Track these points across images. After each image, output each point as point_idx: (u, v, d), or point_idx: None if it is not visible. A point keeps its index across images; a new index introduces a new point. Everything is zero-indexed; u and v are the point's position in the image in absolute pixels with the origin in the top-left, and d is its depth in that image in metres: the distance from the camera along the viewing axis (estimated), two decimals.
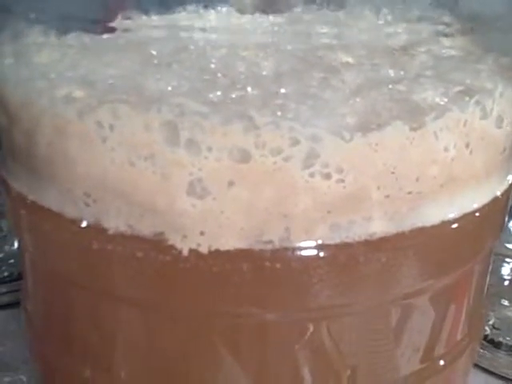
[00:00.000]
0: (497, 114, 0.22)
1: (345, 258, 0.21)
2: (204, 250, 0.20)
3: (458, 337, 0.26)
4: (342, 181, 0.20)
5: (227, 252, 0.20)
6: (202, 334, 0.22)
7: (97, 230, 0.21)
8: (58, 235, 0.22)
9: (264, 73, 0.21)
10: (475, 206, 0.23)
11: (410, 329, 0.24)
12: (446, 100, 0.21)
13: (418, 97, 0.21)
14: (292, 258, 0.20)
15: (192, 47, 0.22)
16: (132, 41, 0.23)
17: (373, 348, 0.23)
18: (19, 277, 0.33)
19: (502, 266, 0.45)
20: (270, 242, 0.20)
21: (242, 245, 0.20)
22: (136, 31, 0.24)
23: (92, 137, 0.20)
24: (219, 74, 0.21)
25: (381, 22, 0.25)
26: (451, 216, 0.22)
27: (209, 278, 0.20)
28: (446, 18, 0.24)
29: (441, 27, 0.23)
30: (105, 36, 0.24)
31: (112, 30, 0.23)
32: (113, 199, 0.20)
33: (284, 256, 0.20)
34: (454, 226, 0.22)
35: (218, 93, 0.20)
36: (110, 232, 0.21)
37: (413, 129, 0.20)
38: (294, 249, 0.20)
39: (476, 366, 0.36)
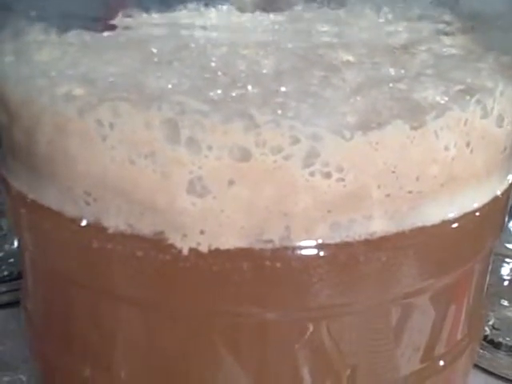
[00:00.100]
0: (497, 113, 0.22)
1: (345, 257, 0.21)
2: (204, 249, 0.20)
3: (458, 337, 0.26)
4: (343, 180, 0.20)
5: (227, 251, 0.20)
6: (201, 333, 0.22)
7: (97, 228, 0.21)
8: (58, 234, 0.22)
9: (264, 71, 0.21)
10: (475, 205, 0.23)
11: (410, 328, 0.24)
12: (446, 99, 0.21)
13: (418, 95, 0.21)
14: (292, 257, 0.20)
15: (192, 45, 0.22)
16: (133, 39, 0.23)
17: (373, 347, 0.23)
18: (19, 276, 0.33)
19: (501, 266, 0.45)
20: (270, 241, 0.20)
21: (242, 244, 0.20)
22: (137, 29, 0.24)
23: (92, 135, 0.20)
24: (220, 73, 0.21)
25: (381, 21, 0.25)
26: (451, 215, 0.22)
27: (209, 277, 0.20)
28: (447, 17, 0.24)
29: (441, 26, 0.23)
30: (105, 34, 0.24)
31: (113, 27, 0.23)
32: (113, 198, 0.20)
33: (284, 255, 0.20)
34: (455, 225, 0.22)
35: (219, 91, 0.20)
36: (110, 231, 0.21)
37: (413, 128, 0.20)
38: (294, 248, 0.20)
39: (476, 366, 0.36)
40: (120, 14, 0.23)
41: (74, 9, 0.22)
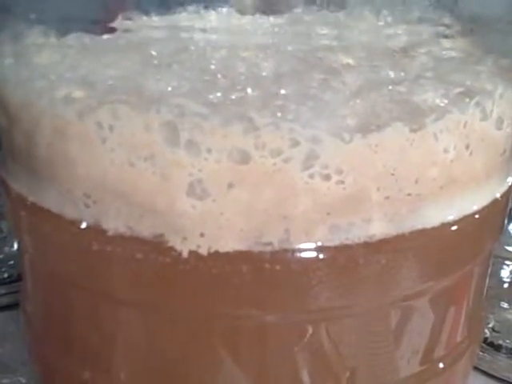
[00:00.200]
0: (497, 116, 0.22)
1: (344, 259, 0.21)
2: (204, 251, 0.20)
3: (458, 339, 0.26)
4: (342, 182, 0.20)
5: (227, 254, 0.20)
6: (201, 336, 0.22)
7: (96, 231, 0.21)
8: (58, 236, 0.22)
9: (264, 74, 0.21)
10: (475, 207, 0.23)
11: (409, 331, 0.24)
12: (446, 101, 0.21)
13: (418, 98, 0.21)
14: (291, 260, 0.20)
15: (192, 48, 0.22)
16: (132, 41, 0.23)
17: (372, 350, 0.23)
18: (19, 278, 0.33)
19: (501, 268, 0.44)
20: (270, 243, 0.20)
21: (241, 246, 0.20)
22: (136, 32, 0.24)
23: (92, 137, 0.20)
24: (219, 75, 0.21)
25: (381, 24, 0.25)
26: (451, 218, 0.22)
27: (208, 280, 0.20)
28: (446, 20, 0.24)
29: (441, 29, 0.23)
30: (105, 37, 0.24)
31: (112, 30, 0.23)
32: (112, 200, 0.20)
33: (283, 258, 0.20)
34: (454, 227, 0.22)
35: (218, 94, 0.20)
36: (110, 233, 0.21)
37: (413, 130, 0.20)
38: (294, 250, 0.20)
39: (476, 368, 0.36)
40: (119, 17, 0.23)
41: (74, 11, 0.22)
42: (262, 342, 0.22)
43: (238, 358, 0.22)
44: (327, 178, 0.20)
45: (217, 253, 0.20)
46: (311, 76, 0.21)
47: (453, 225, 0.22)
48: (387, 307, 0.23)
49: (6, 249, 0.45)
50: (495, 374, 0.38)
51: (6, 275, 0.43)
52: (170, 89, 0.20)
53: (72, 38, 0.24)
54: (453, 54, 0.24)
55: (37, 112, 0.21)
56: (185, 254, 0.20)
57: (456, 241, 0.23)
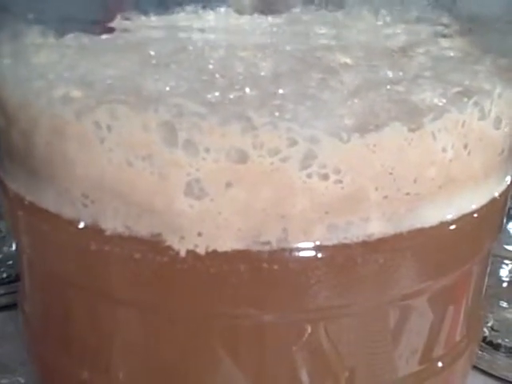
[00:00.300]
0: (495, 115, 0.22)
1: (342, 259, 0.21)
2: (201, 251, 0.20)
3: (457, 338, 0.26)
4: (340, 182, 0.20)
5: (225, 253, 0.20)
6: (199, 335, 0.22)
7: (94, 230, 0.21)
8: (56, 236, 0.22)
9: (262, 73, 0.21)
10: (473, 207, 0.23)
11: (408, 330, 0.24)
12: (444, 101, 0.21)
13: (416, 98, 0.21)
14: (290, 259, 0.20)
15: (190, 48, 0.22)
16: (130, 41, 0.23)
17: (371, 349, 0.23)
18: (17, 278, 0.33)
19: (500, 267, 0.44)
20: (268, 242, 0.20)
21: (239, 246, 0.20)
22: (135, 32, 0.24)
23: (90, 137, 0.20)
24: (217, 75, 0.21)
25: (379, 23, 0.25)
26: (449, 217, 0.22)
27: (206, 279, 0.20)
28: (445, 19, 0.24)
29: (439, 28, 0.23)
30: (103, 36, 0.24)
31: (111, 30, 0.23)
32: (110, 200, 0.20)
33: (282, 257, 0.20)
34: (452, 227, 0.22)
35: (216, 93, 0.20)
36: (108, 233, 0.21)
37: (411, 130, 0.20)
38: (292, 250, 0.20)
39: (475, 367, 0.36)
40: (118, 17, 0.23)
41: (72, 11, 0.22)
42: (261, 341, 0.22)
43: (236, 357, 0.22)
44: (325, 177, 0.20)
45: (215, 252, 0.20)
46: (309, 76, 0.21)
47: (451, 224, 0.22)
48: (386, 306, 0.23)
49: (5, 249, 0.45)
50: (494, 373, 0.38)
51: (4, 275, 0.43)
52: (168, 89, 0.20)
53: (70, 38, 0.24)
54: (451, 53, 0.24)
55: (35, 112, 0.21)
56: (182, 254, 0.20)
57: (455, 240, 0.23)
